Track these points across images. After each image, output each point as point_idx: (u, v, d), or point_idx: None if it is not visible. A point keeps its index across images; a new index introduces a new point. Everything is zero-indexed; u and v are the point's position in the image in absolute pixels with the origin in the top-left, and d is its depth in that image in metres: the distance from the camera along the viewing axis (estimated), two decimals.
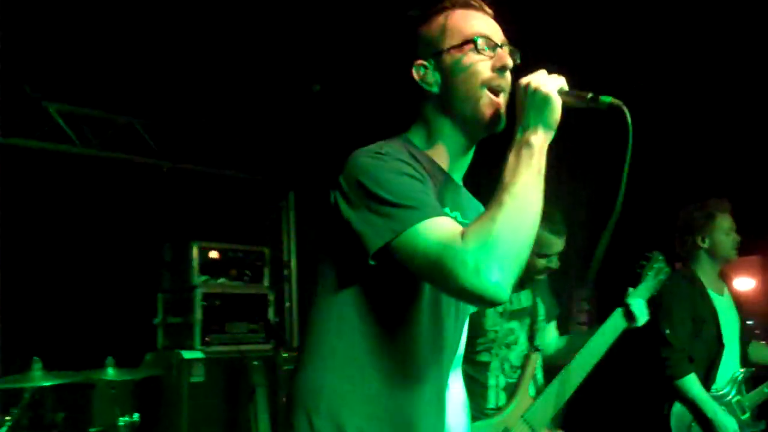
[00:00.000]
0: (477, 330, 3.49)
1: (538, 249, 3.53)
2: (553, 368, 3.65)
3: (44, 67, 5.47)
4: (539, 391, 3.58)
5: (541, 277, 3.68)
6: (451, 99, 1.93)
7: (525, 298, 3.67)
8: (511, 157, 1.74)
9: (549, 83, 1.75)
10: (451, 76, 1.91)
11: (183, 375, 5.37)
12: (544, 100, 1.74)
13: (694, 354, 4.13)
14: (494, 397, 3.52)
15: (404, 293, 1.85)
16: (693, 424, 4.08)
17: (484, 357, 3.52)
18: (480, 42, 1.89)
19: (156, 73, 5.59)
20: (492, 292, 1.63)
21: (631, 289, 3.71)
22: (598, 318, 6.90)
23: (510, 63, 1.90)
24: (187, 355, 5.48)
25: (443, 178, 1.97)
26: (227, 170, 6.68)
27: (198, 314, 5.76)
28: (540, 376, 3.66)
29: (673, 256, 4.41)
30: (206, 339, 5.74)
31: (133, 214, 6.12)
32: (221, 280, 6.09)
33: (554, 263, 3.63)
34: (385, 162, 1.79)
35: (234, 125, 6.56)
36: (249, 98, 6.13)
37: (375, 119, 6.48)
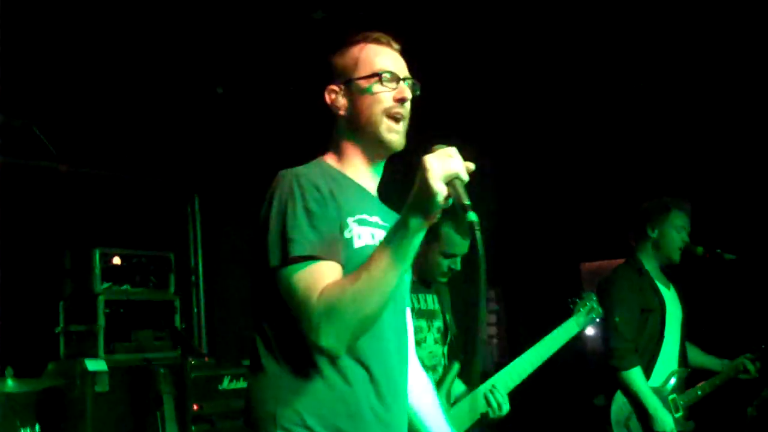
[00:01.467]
0: None
1: (444, 248, 3.58)
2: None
3: None
4: (456, 401, 3.62)
5: (444, 279, 3.70)
6: (356, 122, 2.22)
7: (431, 301, 3.72)
8: (390, 231, 1.91)
9: (439, 170, 1.81)
10: (358, 102, 2.21)
11: (87, 385, 5.22)
12: (427, 190, 1.81)
13: (638, 346, 4.20)
14: None
15: None
16: (632, 417, 4.13)
17: None
18: (385, 76, 2.19)
19: (53, 74, 5.43)
20: (327, 350, 1.91)
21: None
22: (508, 316, 7.02)
23: (409, 95, 2.20)
24: (90, 364, 5.32)
25: (357, 190, 2.23)
26: (129, 173, 6.53)
27: (101, 322, 5.59)
28: (454, 387, 3.68)
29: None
30: (110, 347, 5.60)
31: (31, 220, 5.92)
32: (125, 286, 5.92)
33: (457, 265, 3.65)
34: (301, 194, 2.04)
35: (136, 127, 6.42)
36: (152, 100, 6.02)
37: (278, 122, 6.48)
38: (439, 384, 3.60)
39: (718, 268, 4.42)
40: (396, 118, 2.19)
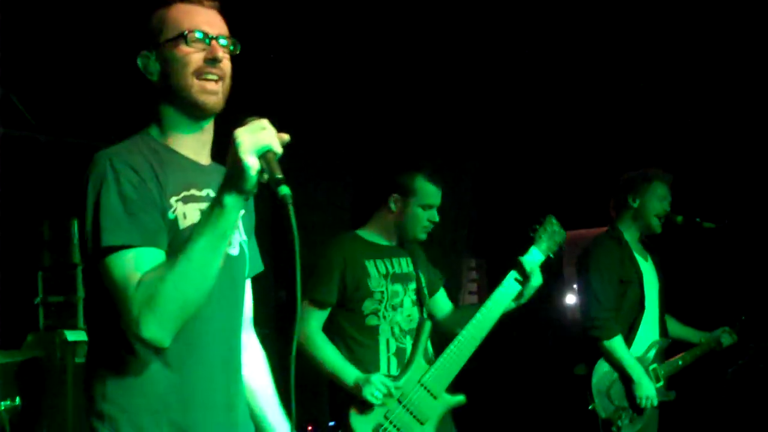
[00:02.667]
0: (363, 291, 3.59)
1: (421, 200, 3.65)
2: (447, 338, 3.70)
3: None
4: (431, 360, 3.60)
5: (423, 235, 3.71)
6: (169, 88, 2.11)
7: (406, 264, 3.75)
8: (206, 210, 1.88)
9: (250, 144, 1.79)
10: (168, 66, 2.10)
11: (67, 356, 5.19)
12: (238, 164, 1.79)
13: (618, 316, 4.22)
14: (385, 363, 3.59)
15: None
16: (614, 386, 4.15)
17: (372, 320, 3.60)
18: (192, 36, 2.07)
19: (31, 41, 5.35)
20: (151, 342, 1.84)
21: (521, 258, 3.71)
22: (490, 288, 7.03)
23: (220, 55, 2.08)
24: (70, 335, 5.29)
25: (186, 163, 2.14)
26: (109, 143, 6.44)
27: (80, 293, 5.57)
28: (429, 348, 3.68)
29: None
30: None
31: (8, 190, 5.86)
32: None
33: (435, 216, 3.70)
34: (114, 177, 1.94)
35: (117, 96, 6.35)
36: (131, 67, 5.94)
37: (259, 90, 6.42)
38: (414, 345, 3.62)
39: (698, 237, 4.43)
40: (207, 79, 2.09)
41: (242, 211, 2.06)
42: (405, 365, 3.59)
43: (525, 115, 6.53)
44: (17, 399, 4.47)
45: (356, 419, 3.47)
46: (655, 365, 4.32)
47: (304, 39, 5.66)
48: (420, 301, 3.75)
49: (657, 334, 4.37)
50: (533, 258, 3.69)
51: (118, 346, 1.97)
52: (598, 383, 4.19)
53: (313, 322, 3.60)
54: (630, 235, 4.42)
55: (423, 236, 3.74)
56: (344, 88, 6.26)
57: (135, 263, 1.88)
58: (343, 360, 3.56)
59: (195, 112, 2.13)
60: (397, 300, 3.65)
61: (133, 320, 1.82)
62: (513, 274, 3.68)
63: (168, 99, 2.15)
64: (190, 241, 1.84)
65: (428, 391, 3.56)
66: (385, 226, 3.77)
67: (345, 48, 5.79)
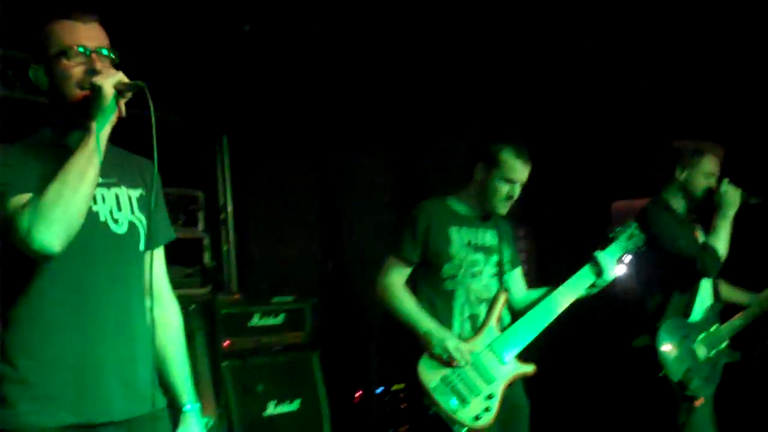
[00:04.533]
0: (442, 257, 3.70)
1: (504, 174, 3.69)
2: (517, 316, 3.79)
3: None
4: (504, 328, 3.74)
5: (503, 208, 3.78)
6: (56, 97, 2.39)
7: (490, 237, 3.82)
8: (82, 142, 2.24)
9: (107, 79, 2.26)
10: (53, 79, 2.37)
11: None
12: (97, 92, 2.25)
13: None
14: (459, 325, 3.70)
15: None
16: (682, 345, 4.14)
17: (449, 285, 3.70)
18: (71, 52, 2.34)
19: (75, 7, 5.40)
20: (41, 248, 2.14)
21: (598, 252, 3.81)
22: (538, 256, 7.01)
23: (98, 66, 2.34)
24: None
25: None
26: (157, 113, 6.52)
27: None
28: (507, 317, 3.77)
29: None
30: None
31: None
32: None
33: (516, 192, 3.74)
34: None
35: (164, 67, 6.41)
36: (178, 40, 5.99)
37: (304, 61, 6.44)
38: (489, 311, 3.71)
39: (744, 212, 4.37)
40: (86, 88, 2.32)
41: (141, 191, 2.50)
42: (478, 328, 3.69)
43: (572, 81, 6.46)
44: None
45: (424, 369, 3.61)
46: (715, 327, 4.32)
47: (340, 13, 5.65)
48: (500, 274, 3.80)
49: (711, 299, 4.36)
50: (609, 255, 3.82)
51: (15, 317, 2.28)
52: (666, 349, 4.17)
53: (395, 276, 3.74)
54: (677, 203, 4.38)
55: (502, 210, 3.80)
56: (387, 62, 6.24)
57: (20, 198, 2.21)
58: (420, 310, 3.67)
59: (80, 114, 2.34)
60: (476, 268, 3.73)
61: (24, 232, 2.14)
62: (588, 268, 3.81)
63: (57, 105, 2.41)
64: (67, 163, 2.21)
65: (497, 355, 3.67)
66: (471, 197, 3.85)
67: (384, 21, 5.78)
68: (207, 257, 6.26)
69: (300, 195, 7.05)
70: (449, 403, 3.55)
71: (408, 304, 3.69)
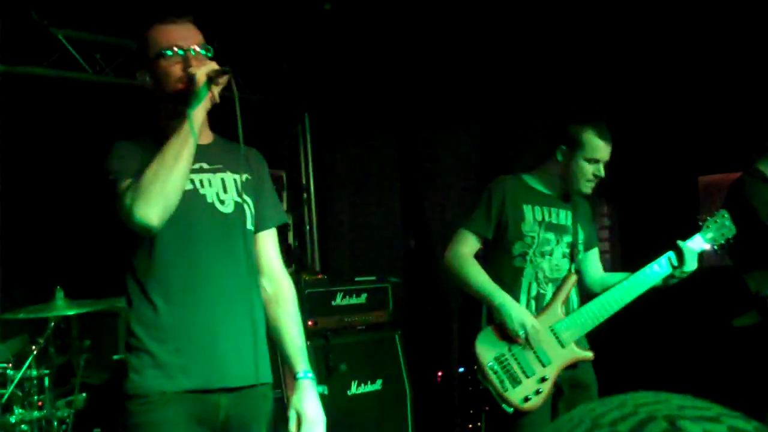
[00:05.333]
0: (515, 233, 3.68)
1: (587, 154, 3.65)
2: (589, 297, 3.73)
3: None
4: (570, 311, 3.68)
5: (588, 187, 3.72)
6: (161, 94, 2.62)
7: (564, 217, 3.78)
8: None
9: (200, 68, 2.48)
10: (156, 80, 2.60)
11: None
12: (191, 80, 2.47)
13: None
14: (525, 303, 3.66)
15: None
16: None
17: (518, 262, 3.68)
18: (168, 53, 2.56)
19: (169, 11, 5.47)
20: (139, 220, 2.38)
21: (681, 242, 3.69)
22: (621, 234, 6.89)
23: (193, 62, 2.54)
24: None
25: None
26: (241, 93, 6.58)
27: None
28: (575, 299, 3.74)
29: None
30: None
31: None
32: None
33: (601, 171, 3.69)
34: (109, 153, 2.61)
35: (246, 47, 6.46)
36: (259, 20, 6.02)
37: (385, 38, 6.42)
38: (555, 293, 3.67)
39: None
40: (185, 82, 2.53)
41: (246, 176, 2.68)
42: (542, 308, 3.66)
43: (656, 53, 6.31)
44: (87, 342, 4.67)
45: (482, 344, 3.60)
46: None
47: None
48: (572, 255, 3.76)
49: None
50: (694, 245, 3.69)
51: (136, 295, 2.55)
52: None
53: (465, 247, 3.73)
54: None
55: (587, 190, 3.75)
56: (469, 34, 6.17)
57: (127, 181, 2.46)
58: (490, 281, 3.66)
59: (181, 106, 2.54)
60: (547, 248, 3.70)
61: (126, 207, 2.39)
62: (670, 255, 3.69)
63: (162, 102, 2.65)
64: (164, 146, 2.44)
65: (557, 337, 3.63)
66: (550, 176, 3.81)
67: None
68: (291, 237, 6.31)
69: (382, 173, 7.05)
70: (501, 382, 3.55)
71: (480, 275, 3.68)
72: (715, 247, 3.74)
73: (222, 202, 2.61)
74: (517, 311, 3.55)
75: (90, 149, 5.78)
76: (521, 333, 3.52)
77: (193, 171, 2.55)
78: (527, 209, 3.71)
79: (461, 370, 6.46)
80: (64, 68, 5.81)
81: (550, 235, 3.70)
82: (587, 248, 3.88)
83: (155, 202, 2.38)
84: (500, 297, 3.59)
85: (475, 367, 3.60)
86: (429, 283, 6.81)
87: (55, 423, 4.35)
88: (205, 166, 2.62)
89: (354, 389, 5.58)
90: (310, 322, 5.50)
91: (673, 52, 6.13)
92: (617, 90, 6.50)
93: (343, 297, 5.76)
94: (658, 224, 5.79)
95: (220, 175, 2.66)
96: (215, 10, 5.81)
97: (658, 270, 3.68)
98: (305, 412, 2.63)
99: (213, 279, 2.56)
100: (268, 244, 2.79)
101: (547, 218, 3.71)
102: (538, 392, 3.56)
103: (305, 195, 7.18)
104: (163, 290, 2.52)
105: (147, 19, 2.66)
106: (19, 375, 4.16)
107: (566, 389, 3.67)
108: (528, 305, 3.65)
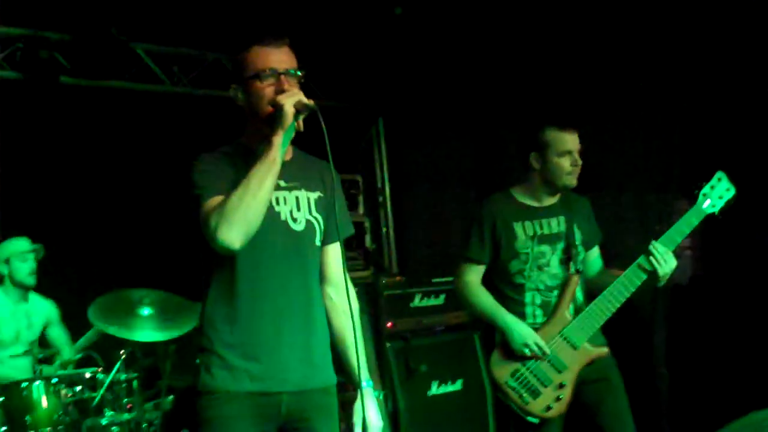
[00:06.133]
0: (509, 252, 3.75)
1: (557, 149, 3.71)
2: (593, 294, 3.74)
3: (130, 8, 5.50)
4: (578, 311, 3.72)
5: (570, 180, 3.74)
6: (251, 113, 2.72)
7: (557, 224, 3.81)
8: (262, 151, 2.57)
9: (288, 99, 2.55)
10: (249, 98, 2.70)
11: None
12: (280, 110, 2.55)
13: None
14: (531, 314, 3.73)
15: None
16: None
17: (518, 279, 3.75)
18: (263, 74, 2.66)
19: (240, 6, 5.58)
20: (222, 242, 2.49)
21: (653, 243, 3.64)
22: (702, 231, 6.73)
23: (286, 86, 2.64)
24: None
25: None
26: (316, 99, 6.66)
27: None
28: (580, 297, 3.80)
29: None
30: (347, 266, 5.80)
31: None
32: None
33: (577, 160, 3.72)
34: (194, 165, 2.72)
35: (320, 53, 6.53)
36: (333, 25, 6.09)
37: (457, 41, 6.42)
38: (559, 298, 3.72)
39: None
40: (276, 106, 2.60)
41: (319, 194, 2.82)
42: (549, 316, 3.71)
43: (731, 56, 6.18)
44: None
45: (496, 363, 3.70)
46: None
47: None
48: (568, 259, 3.78)
49: None
50: (668, 241, 3.64)
51: (211, 301, 2.71)
52: None
53: (469, 276, 3.82)
54: None
55: (572, 182, 3.76)
56: (543, 34, 6.14)
57: (214, 200, 2.57)
58: (497, 304, 3.74)
59: (267, 127, 2.64)
60: (543, 260, 3.75)
61: (211, 229, 2.50)
62: (639, 262, 3.63)
63: (251, 118, 2.74)
64: (249, 172, 2.52)
65: (568, 341, 3.67)
66: (533, 186, 3.84)
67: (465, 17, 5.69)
68: (368, 240, 6.36)
69: (456, 174, 7.06)
70: (520, 397, 3.64)
71: (485, 299, 3.77)
72: (716, 213, 3.65)
73: (295, 219, 2.75)
74: (519, 330, 3.64)
75: (170, 159, 5.98)
76: (526, 351, 3.61)
77: (278, 188, 2.69)
78: (518, 227, 3.76)
79: None
80: (142, 81, 5.98)
81: (545, 247, 3.75)
82: (588, 247, 3.88)
83: (238, 227, 2.50)
84: (504, 318, 3.68)
85: (496, 387, 3.69)
86: None
87: (144, 425, 4.49)
88: (282, 183, 2.73)
89: (434, 390, 5.59)
90: (389, 324, 5.53)
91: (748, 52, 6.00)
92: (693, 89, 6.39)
93: (422, 298, 5.78)
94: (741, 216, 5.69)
95: (295, 192, 2.78)
96: (288, 15, 5.90)
97: (631, 278, 3.65)
98: (369, 419, 2.79)
99: (281, 291, 2.70)
100: (335, 256, 2.92)
101: (538, 231, 3.76)
102: (558, 399, 3.63)
103: (381, 198, 7.23)
104: (236, 300, 2.67)
105: (246, 38, 2.75)
106: (109, 379, 4.30)
107: (586, 385, 3.69)
108: (534, 316, 3.71)
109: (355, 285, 5.28)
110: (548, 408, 3.61)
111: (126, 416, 4.39)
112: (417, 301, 5.76)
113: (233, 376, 2.66)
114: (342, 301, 2.89)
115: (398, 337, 5.51)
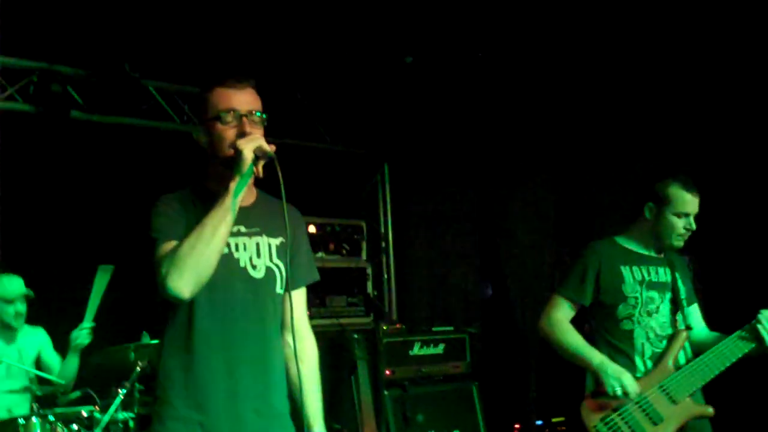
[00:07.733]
0: (616, 296, 3.67)
1: (675, 208, 3.66)
2: (699, 352, 3.68)
3: (143, 45, 5.55)
4: (679, 366, 3.64)
5: (679, 242, 3.72)
6: (212, 154, 2.64)
7: (663, 273, 3.76)
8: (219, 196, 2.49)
9: (248, 144, 2.47)
10: (211, 140, 2.62)
11: None
12: (238, 155, 2.47)
13: None
14: (642, 365, 3.64)
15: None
16: None
17: (627, 325, 3.66)
18: (224, 117, 2.58)
19: (254, 48, 5.62)
20: (174, 292, 2.41)
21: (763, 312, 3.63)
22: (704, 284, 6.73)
23: (248, 129, 2.56)
24: None
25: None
26: (322, 143, 6.70)
27: None
28: (690, 352, 3.72)
29: None
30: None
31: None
32: (319, 254, 6.12)
33: (692, 224, 3.68)
34: (155, 206, 2.65)
35: (328, 99, 6.58)
36: (342, 72, 6.13)
37: (466, 91, 6.47)
38: (665, 349, 3.65)
39: None
40: (236, 149, 2.54)
41: (281, 240, 2.70)
42: (654, 366, 3.63)
43: (744, 110, 6.23)
44: None
45: (587, 408, 3.60)
46: None
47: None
48: (677, 311, 3.74)
49: None
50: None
51: (166, 347, 2.62)
52: None
53: (560, 313, 3.74)
54: None
55: (679, 244, 3.73)
56: (547, 85, 6.19)
57: (168, 245, 2.50)
58: (586, 344, 3.66)
59: (229, 169, 2.57)
60: (652, 306, 3.68)
61: (161, 276, 2.42)
62: (740, 333, 3.63)
63: (213, 159, 2.66)
64: (205, 217, 2.46)
65: (668, 394, 3.58)
66: (642, 235, 3.81)
67: (540, 46, 5.74)
68: (370, 287, 6.35)
69: (459, 222, 7.07)
70: None
71: (576, 338, 3.68)
72: None
73: (254, 267, 2.66)
74: (614, 369, 3.53)
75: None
76: (618, 390, 3.50)
77: (231, 234, 2.57)
78: (626, 271, 3.71)
79: (539, 423, 6.37)
80: (153, 118, 6.01)
81: (654, 294, 3.69)
82: (689, 303, 3.84)
83: (188, 276, 2.42)
84: (598, 358, 3.59)
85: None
86: (506, 332, 6.78)
87: None
88: (243, 229, 2.66)
89: None
90: (387, 372, 5.50)
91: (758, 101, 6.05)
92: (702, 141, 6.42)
93: (421, 347, 5.76)
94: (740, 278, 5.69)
95: (255, 239, 2.69)
96: (298, 62, 5.95)
97: (736, 345, 3.63)
98: None
99: (239, 342, 2.62)
100: (296, 303, 2.80)
101: (647, 277, 3.71)
102: None
103: (383, 244, 7.22)
104: (191, 348, 2.58)
105: (208, 80, 2.68)
106: (107, 418, 4.25)
107: None
108: (645, 366, 3.63)
109: (356, 332, 5.37)
110: None
111: None
112: (416, 350, 5.74)
113: (186, 427, 2.56)
114: (300, 348, 2.80)
115: (396, 385, 5.48)
